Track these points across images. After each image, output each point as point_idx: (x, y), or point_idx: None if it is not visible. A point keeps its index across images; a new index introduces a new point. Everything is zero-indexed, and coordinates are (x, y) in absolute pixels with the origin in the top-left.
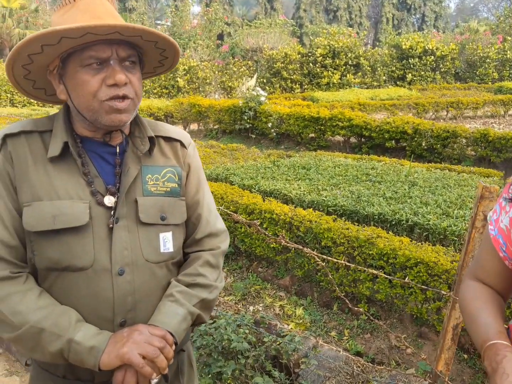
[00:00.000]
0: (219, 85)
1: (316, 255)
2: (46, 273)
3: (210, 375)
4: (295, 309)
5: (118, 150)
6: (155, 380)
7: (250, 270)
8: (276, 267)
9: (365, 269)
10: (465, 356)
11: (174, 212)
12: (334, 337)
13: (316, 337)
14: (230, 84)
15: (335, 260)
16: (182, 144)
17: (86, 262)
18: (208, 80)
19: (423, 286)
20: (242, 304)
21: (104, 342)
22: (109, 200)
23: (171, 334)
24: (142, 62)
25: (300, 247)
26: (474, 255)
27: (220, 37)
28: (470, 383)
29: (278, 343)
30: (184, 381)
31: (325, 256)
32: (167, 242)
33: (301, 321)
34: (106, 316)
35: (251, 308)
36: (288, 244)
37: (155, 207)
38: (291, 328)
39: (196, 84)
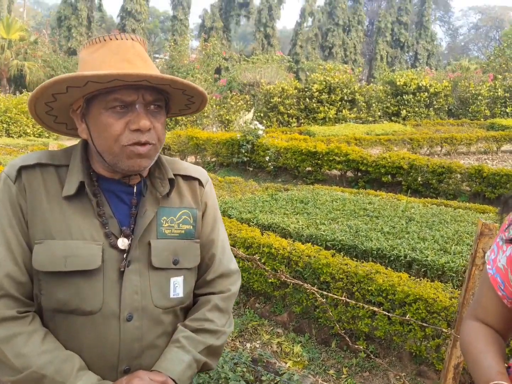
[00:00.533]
0: (216, 118)
1: (316, 291)
2: (52, 314)
3: None
4: (293, 346)
5: (135, 190)
6: None
7: (248, 306)
8: (274, 302)
9: (364, 305)
10: None
11: (188, 256)
12: (332, 375)
13: (315, 375)
14: (227, 117)
15: (336, 296)
16: (200, 183)
17: (95, 307)
18: (206, 113)
19: (424, 324)
20: (239, 341)
21: None
22: (122, 243)
23: (174, 381)
24: (168, 106)
25: (300, 282)
26: (474, 292)
27: (218, 71)
28: None
29: (276, 381)
30: None
31: (325, 292)
32: (178, 287)
33: (299, 359)
34: (110, 362)
35: (248, 345)
36: (288, 280)
37: (168, 250)
38: (289, 366)
39: (194, 117)
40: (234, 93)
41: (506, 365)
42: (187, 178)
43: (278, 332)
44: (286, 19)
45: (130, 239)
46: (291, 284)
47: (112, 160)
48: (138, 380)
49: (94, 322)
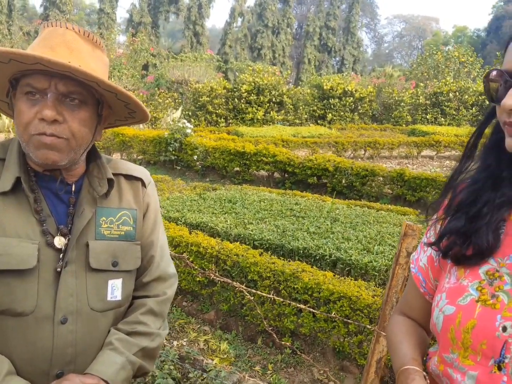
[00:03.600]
0: None
1: (245, 288)
2: None
3: None
4: (219, 343)
5: (73, 189)
6: None
7: (175, 305)
8: (201, 301)
9: (291, 302)
10: None
11: (127, 258)
12: (258, 372)
13: (241, 372)
14: (155, 115)
15: (264, 294)
16: (143, 183)
17: (27, 308)
18: None
19: (349, 320)
20: (166, 339)
21: None
22: (59, 242)
23: (107, 382)
24: (101, 104)
25: (229, 281)
26: (397, 290)
27: (145, 67)
28: None
29: (203, 378)
30: None
31: (253, 290)
32: (116, 290)
33: (225, 355)
34: (42, 367)
35: (175, 342)
36: (218, 278)
37: (107, 252)
38: (216, 363)
39: None
40: (162, 91)
41: (427, 353)
42: (130, 177)
43: (205, 330)
44: (216, 18)
45: (67, 239)
46: (219, 282)
47: (25, 149)
48: (68, 382)
49: (25, 325)
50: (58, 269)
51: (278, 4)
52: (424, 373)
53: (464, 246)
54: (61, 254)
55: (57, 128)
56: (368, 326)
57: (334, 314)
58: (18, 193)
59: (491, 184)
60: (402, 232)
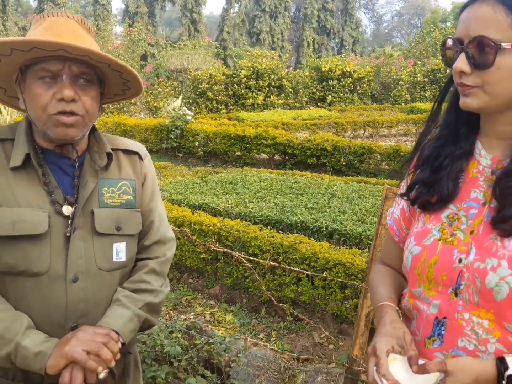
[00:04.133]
0: (144, 106)
1: (243, 257)
2: (1, 277)
3: (144, 380)
4: (225, 315)
5: (77, 163)
6: (103, 374)
7: (181, 282)
8: (206, 277)
9: (290, 268)
10: None
11: (129, 223)
12: (262, 339)
13: (246, 338)
14: (155, 104)
15: (261, 261)
16: (140, 157)
17: (42, 268)
18: (133, 100)
19: (339, 279)
20: (174, 313)
21: (51, 347)
22: (67, 210)
23: (117, 333)
24: (103, 84)
25: (229, 251)
26: (381, 249)
27: (144, 58)
28: None
29: (209, 344)
30: (130, 382)
31: (252, 258)
32: (120, 251)
33: (231, 326)
34: (57, 321)
35: (183, 316)
36: (217, 249)
37: (111, 218)
38: (222, 332)
39: (121, 104)
40: (161, 80)
41: (402, 294)
42: (128, 152)
43: (211, 304)
44: (213, 5)
45: (74, 207)
46: (222, 258)
47: (42, 127)
48: (82, 332)
49: (41, 284)
50: (68, 234)
51: None
52: (398, 308)
53: (429, 194)
54: (69, 221)
55: (74, 106)
56: (356, 283)
57: (326, 274)
58: (28, 168)
59: (452, 140)
60: (383, 195)
